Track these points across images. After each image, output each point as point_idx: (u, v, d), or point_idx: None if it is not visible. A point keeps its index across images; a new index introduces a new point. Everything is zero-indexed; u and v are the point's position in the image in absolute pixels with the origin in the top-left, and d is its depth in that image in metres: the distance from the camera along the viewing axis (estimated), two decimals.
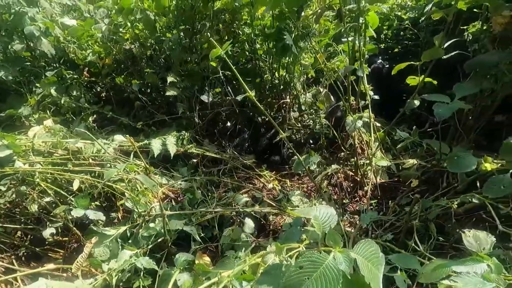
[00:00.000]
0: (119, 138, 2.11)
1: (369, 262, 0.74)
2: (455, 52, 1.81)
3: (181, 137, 2.39)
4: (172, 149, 2.22)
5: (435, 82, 1.89)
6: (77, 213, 1.63)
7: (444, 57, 1.73)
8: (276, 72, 2.94)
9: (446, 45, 1.79)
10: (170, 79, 2.53)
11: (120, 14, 2.65)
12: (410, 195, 2.05)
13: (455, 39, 1.94)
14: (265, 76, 3.06)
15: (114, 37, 2.85)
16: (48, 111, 2.49)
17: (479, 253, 0.94)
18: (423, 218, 1.72)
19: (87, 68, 2.98)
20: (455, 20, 2.13)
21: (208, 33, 2.64)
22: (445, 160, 1.49)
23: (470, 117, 1.93)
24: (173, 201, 2.09)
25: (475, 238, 0.97)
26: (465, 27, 2.25)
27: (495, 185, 1.27)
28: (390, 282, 1.48)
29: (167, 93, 2.55)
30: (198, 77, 2.85)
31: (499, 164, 1.45)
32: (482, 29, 1.90)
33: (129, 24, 2.77)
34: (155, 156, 2.17)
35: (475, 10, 2.04)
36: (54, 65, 2.87)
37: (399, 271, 1.38)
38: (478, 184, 1.73)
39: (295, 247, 1.03)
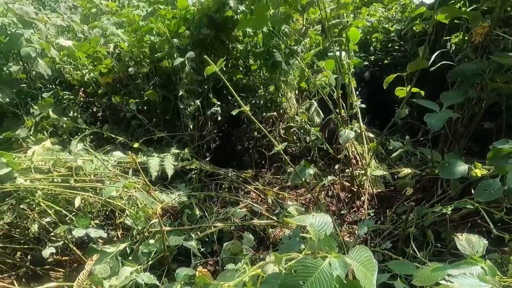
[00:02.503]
0: (118, 154, 2.13)
1: (364, 267, 0.76)
2: (441, 63, 1.88)
3: (180, 155, 2.41)
4: (170, 170, 2.22)
5: (422, 92, 1.95)
6: (78, 233, 1.64)
7: (432, 68, 1.80)
8: (269, 87, 3.01)
9: (433, 57, 1.86)
10: (181, 91, 2.57)
11: (133, 33, 2.71)
12: (406, 203, 2.08)
13: (440, 50, 2.02)
14: (259, 91, 3.13)
15: (119, 55, 2.90)
16: (45, 133, 2.50)
17: (472, 256, 0.97)
18: (420, 226, 1.74)
19: (82, 89, 3.02)
20: (439, 31, 2.22)
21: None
22: (437, 168, 1.53)
23: (460, 125, 1.99)
24: (172, 217, 2.09)
25: (468, 242, 1.00)
26: (448, 38, 2.34)
27: (485, 189, 1.31)
28: None
29: (181, 106, 2.60)
30: (199, 94, 2.90)
31: (490, 170, 1.49)
32: (463, 39, 1.98)
33: (136, 44, 2.82)
34: (153, 178, 2.18)
35: (456, 21, 2.12)
36: (50, 86, 2.90)
37: (398, 279, 1.39)
38: (472, 190, 1.77)
39: (294, 257, 1.05)
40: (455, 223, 1.74)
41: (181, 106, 2.67)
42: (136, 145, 2.52)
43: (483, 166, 1.43)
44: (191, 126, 2.77)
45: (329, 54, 2.27)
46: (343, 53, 2.12)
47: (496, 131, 2.19)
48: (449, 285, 0.82)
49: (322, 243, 0.79)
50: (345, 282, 0.74)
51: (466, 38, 1.92)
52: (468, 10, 1.83)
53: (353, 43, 2.11)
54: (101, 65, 2.90)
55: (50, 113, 2.45)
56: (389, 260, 1.64)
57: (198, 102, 2.73)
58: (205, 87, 2.82)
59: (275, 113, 2.94)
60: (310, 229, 0.83)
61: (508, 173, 1.18)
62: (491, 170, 1.49)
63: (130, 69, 2.81)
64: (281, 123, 3.01)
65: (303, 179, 1.95)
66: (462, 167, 1.43)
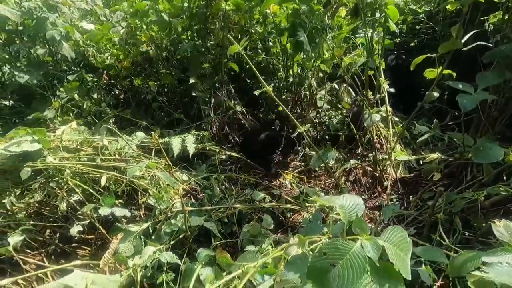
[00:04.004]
0: (141, 134, 2.17)
1: (397, 249, 0.73)
2: (475, 43, 1.77)
3: (200, 136, 2.42)
4: (191, 149, 2.25)
5: (454, 74, 1.85)
6: (104, 211, 1.68)
7: (464, 49, 1.69)
8: (290, 70, 2.94)
9: (466, 37, 1.74)
10: (192, 80, 2.57)
11: (135, 16, 2.71)
12: (433, 189, 2.01)
13: (475, 30, 1.89)
14: (279, 74, 3.07)
15: (131, 40, 2.92)
16: (71, 114, 2.57)
17: (511, 243, 0.92)
18: (447, 212, 1.68)
19: (105, 71, 3.06)
20: (474, 11, 2.08)
21: (220, 33, 2.68)
22: (469, 152, 1.45)
23: (494, 109, 1.88)
24: (192, 198, 2.12)
25: (506, 228, 0.94)
26: (485, 18, 2.19)
27: None
28: (414, 276, 1.46)
29: (194, 93, 2.60)
30: (213, 78, 2.89)
31: None
32: (503, 19, 1.85)
33: (144, 27, 2.83)
34: (175, 155, 2.20)
35: (495, 0, 1.98)
36: (75, 68, 2.96)
37: (423, 266, 1.35)
38: (504, 176, 1.68)
39: (316, 240, 1.04)
40: (485, 210, 1.66)
41: (193, 94, 2.66)
42: (157, 132, 2.55)
43: None
44: (206, 113, 2.78)
45: (357, 36, 2.18)
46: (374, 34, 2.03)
47: None
48: (484, 275, 0.78)
49: (353, 225, 0.76)
50: (378, 265, 0.71)
51: (506, 17, 1.78)
52: None
53: (392, 23, 2.00)
54: (115, 51, 2.93)
55: (75, 96, 2.50)
56: (413, 246, 1.60)
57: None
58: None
59: (295, 96, 2.88)
60: (340, 211, 0.81)
61: None
62: None
63: (151, 50, 2.82)
64: (302, 105, 2.95)
65: (326, 162, 1.90)
66: (498, 151, 1.35)
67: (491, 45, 1.83)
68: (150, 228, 1.80)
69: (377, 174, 2.38)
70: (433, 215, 1.61)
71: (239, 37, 2.86)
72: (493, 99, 1.75)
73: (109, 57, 2.92)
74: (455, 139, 1.90)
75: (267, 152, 2.75)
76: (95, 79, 2.87)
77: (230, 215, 1.98)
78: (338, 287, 0.67)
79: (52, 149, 1.84)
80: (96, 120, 2.65)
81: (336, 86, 2.97)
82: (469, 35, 1.77)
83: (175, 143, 2.13)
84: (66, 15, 2.81)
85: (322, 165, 1.95)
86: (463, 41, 1.70)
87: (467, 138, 1.65)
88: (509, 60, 1.59)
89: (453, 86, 1.50)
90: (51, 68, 2.71)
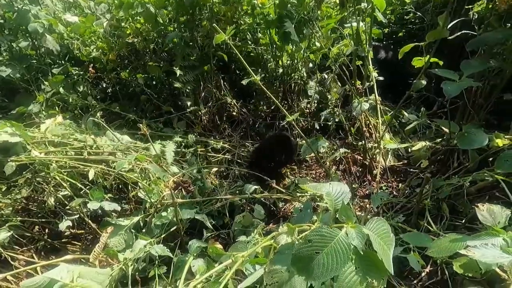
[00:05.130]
0: (126, 138, 2.14)
1: (381, 240, 0.74)
2: (461, 32, 1.78)
3: (185, 140, 2.40)
4: (170, 158, 2.18)
5: (441, 62, 1.87)
6: (92, 205, 1.67)
7: (450, 37, 1.71)
8: (279, 61, 2.93)
9: (450, 25, 1.76)
10: (178, 71, 2.53)
11: (120, 8, 2.65)
12: (421, 176, 2.04)
13: (460, 19, 1.90)
14: (269, 64, 3.05)
15: (116, 32, 2.86)
16: (57, 108, 2.52)
17: (494, 227, 0.94)
18: (434, 198, 1.71)
19: (92, 64, 3.00)
20: (460, 1, 2.09)
21: (208, 24, 2.64)
22: (455, 138, 1.47)
23: (479, 96, 1.90)
24: (183, 190, 2.11)
25: (490, 212, 0.96)
26: (470, 6, 2.20)
27: (507, 160, 1.25)
28: (404, 264, 1.49)
29: (175, 85, 2.56)
30: (200, 70, 2.86)
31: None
32: (487, 7, 1.86)
33: (130, 19, 2.78)
34: (158, 158, 2.13)
35: None
36: (59, 62, 2.89)
37: (412, 253, 1.38)
38: (489, 162, 1.71)
39: (306, 229, 1.04)
40: (472, 196, 1.70)
41: (176, 86, 2.62)
42: (144, 124, 2.52)
43: (505, 136, 1.37)
44: (188, 104, 2.76)
45: (345, 26, 2.17)
46: (361, 24, 2.02)
47: None
48: (470, 255, 0.79)
49: (338, 213, 0.77)
50: (362, 253, 0.72)
51: (490, 6, 1.80)
52: None
53: (379, 13, 2.00)
54: (100, 43, 2.87)
55: (60, 89, 2.45)
56: (402, 234, 1.63)
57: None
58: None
59: (286, 86, 2.88)
60: (326, 198, 0.81)
61: None
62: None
63: (137, 43, 2.77)
64: (292, 96, 2.95)
65: (316, 152, 1.91)
66: (482, 137, 1.38)
67: (475, 33, 1.84)
68: (141, 221, 1.79)
69: (367, 163, 2.40)
70: (420, 202, 1.64)
71: (228, 28, 2.83)
72: (478, 86, 1.78)
73: (94, 49, 2.86)
74: (442, 127, 1.92)
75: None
76: (81, 72, 2.81)
77: (222, 206, 1.98)
78: (322, 275, 0.68)
79: (37, 143, 1.81)
80: (83, 114, 2.61)
81: (326, 76, 2.97)
82: (453, 22, 1.78)
83: (155, 149, 2.10)
84: (49, 8, 2.74)
85: (311, 154, 1.95)
86: (448, 29, 1.71)
87: (453, 125, 1.67)
88: (493, 48, 1.61)
89: (440, 75, 1.52)
90: (35, 61, 2.65)
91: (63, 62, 2.86)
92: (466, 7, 2.20)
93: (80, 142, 1.88)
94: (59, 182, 1.74)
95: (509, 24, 1.67)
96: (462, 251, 0.82)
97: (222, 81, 2.99)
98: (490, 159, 1.67)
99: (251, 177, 2.28)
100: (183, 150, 2.42)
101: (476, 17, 2.23)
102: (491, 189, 1.67)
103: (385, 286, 0.80)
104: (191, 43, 2.85)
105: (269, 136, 2.74)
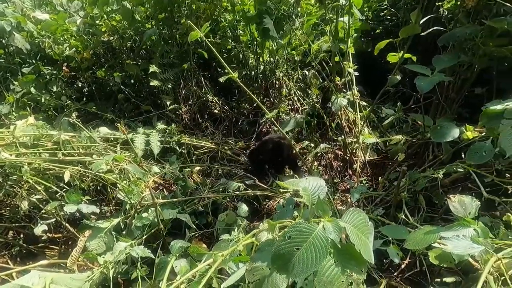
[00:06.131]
0: (103, 130, 2.07)
1: (358, 231, 0.75)
2: (433, 28, 1.84)
3: (167, 131, 2.35)
4: (156, 149, 2.15)
5: (414, 58, 1.92)
6: (69, 208, 1.61)
7: (423, 34, 1.75)
8: (260, 58, 2.92)
9: (422, 21, 1.81)
10: (152, 69, 2.48)
11: (94, 6, 2.57)
12: (398, 169, 2.10)
13: (432, 15, 1.96)
14: (250, 62, 3.05)
15: (91, 30, 2.78)
16: (28, 109, 2.42)
17: (465, 218, 0.98)
18: (411, 191, 1.76)
19: (65, 63, 2.90)
20: None
21: (186, 21, 2.60)
22: (429, 132, 1.52)
23: (451, 90, 1.97)
24: (165, 190, 2.08)
25: (461, 203, 1.00)
26: (440, 3, 2.27)
27: (476, 152, 1.31)
28: (384, 256, 1.53)
29: (151, 83, 2.51)
30: (180, 68, 2.82)
31: (482, 133, 1.49)
32: (456, 4, 1.93)
33: (105, 16, 2.70)
34: (139, 158, 2.08)
35: None
36: (30, 61, 2.78)
37: (391, 245, 1.42)
38: (462, 155, 1.78)
39: (287, 224, 1.05)
40: (446, 188, 1.76)
41: (152, 84, 2.58)
42: (122, 123, 2.45)
43: (475, 129, 1.43)
44: (168, 103, 2.73)
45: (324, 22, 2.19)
46: (340, 19, 2.05)
47: (487, 97, 2.19)
48: (443, 247, 0.82)
49: (315, 207, 0.78)
50: (340, 246, 0.73)
51: (459, 3, 1.86)
52: None
53: (356, 10, 2.03)
54: (73, 42, 2.78)
55: (31, 89, 2.35)
56: (381, 226, 1.67)
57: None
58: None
59: (267, 83, 2.88)
60: (303, 193, 0.82)
61: (500, 134, 1.17)
62: (483, 134, 1.49)
63: (114, 41, 2.70)
64: (273, 93, 2.95)
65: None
66: (453, 130, 1.43)
67: (446, 30, 1.90)
68: (121, 223, 1.76)
69: (347, 158, 2.45)
70: (398, 195, 1.68)
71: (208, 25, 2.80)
72: (450, 81, 1.84)
73: (67, 48, 2.76)
74: (417, 121, 1.98)
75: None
76: (54, 72, 2.71)
77: (205, 205, 1.97)
78: (303, 271, 0.69)
79: (7, 145, 1.73)
80: (57, 115, 2.52)
81: (307, 72, 3.00)
82: (425, 18, 1.83)
83: (139, 142, 2.05)
84: (16, 5, 2.62)
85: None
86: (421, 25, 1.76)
87: (427, 119, 1.73)
88: (463, 43, 1.67)
89: (413, 70, 1.56)
90: (3, 60, 2.53)
91: (34, 61, 2.75)
92: (437, 4, 2.27)
93: (54, 144, 1.82)
94: (33, 185, 1.67)
95: (477, 21, 1.74)
96: (435, 244, 0.85)
97: (203, 78, 2.97)
98: (464, 151, 1.73)
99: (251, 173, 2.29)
100: (167, 139, 2.36)
101: (446, 13, 2.30)
102: (464, 181, 1.74)
103: (365, 277, 0.82)
104: (170, 41, 2.80)
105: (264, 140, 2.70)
